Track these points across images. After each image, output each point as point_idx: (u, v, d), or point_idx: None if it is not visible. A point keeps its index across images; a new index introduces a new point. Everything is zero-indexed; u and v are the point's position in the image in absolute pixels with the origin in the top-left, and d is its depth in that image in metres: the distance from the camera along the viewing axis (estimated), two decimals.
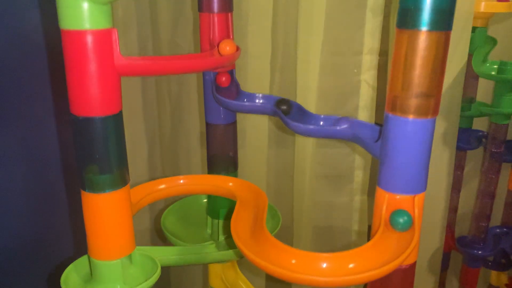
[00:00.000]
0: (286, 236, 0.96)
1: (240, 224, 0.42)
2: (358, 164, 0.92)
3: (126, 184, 0.41)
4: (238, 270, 0.64)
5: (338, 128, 0.44)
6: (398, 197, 0.39)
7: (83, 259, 0.46)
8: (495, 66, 0.82)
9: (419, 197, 0.39)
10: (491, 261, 1.02)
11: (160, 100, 0.90)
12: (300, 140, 0.88)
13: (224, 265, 0.63)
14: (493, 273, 1.03)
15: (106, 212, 0.40)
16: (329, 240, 0.96)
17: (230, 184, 0.51)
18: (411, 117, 0.36)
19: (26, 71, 0.63)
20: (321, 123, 0.46)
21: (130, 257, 0.43)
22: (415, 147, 0.37)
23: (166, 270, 0.97)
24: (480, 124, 0.98)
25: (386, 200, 0.39)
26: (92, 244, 0.42)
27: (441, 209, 0.97)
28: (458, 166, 0.97)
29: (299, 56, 0.82)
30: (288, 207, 0.93)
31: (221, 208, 0.60)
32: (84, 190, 0.40)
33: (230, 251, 0.54)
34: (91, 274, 0.44)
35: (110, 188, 0.39)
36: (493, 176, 0.88)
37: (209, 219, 0.61)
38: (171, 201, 0.67)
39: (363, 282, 0.36)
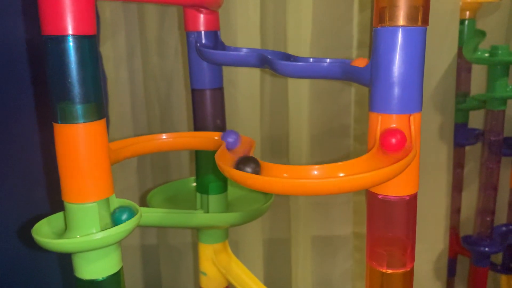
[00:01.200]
0: (284, 247, 0.92)
1: (225, 154, 0.39)
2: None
3: (102, 118, 0.38)
4: (231, 252, 0.60)
5: (325, 64, 0.42)
6: (392, 117, 0.36)
7: (58, 215, 0.42)
8: (487, 54, 0.82)
9: (415, 117, 0.36)
10: (500, 265, 0.98)
11: (149, 104, 0.88)
12: (295, 152, 0.86)
13: (215, 247, 0.59)
14: (503, 278, 0.98)
15: (80, 145, 0.37)
16: (329, 250, 0.93)
17: (216, 138, 0.48)
18: (401, 24, 0.35)
19: (8, 82, 0.60)
20: (311, 61, 0.44)
21: (107, 202, 0.40)
22: (407, 59, 0.35)
23: (157, 275, 0.91)
24: (476, 124, 0.97)
25: (380, 122, 0.37)
26: (65, 185, 0.38)
27: (443, 208, 0.94)
28: (458, 164, 0.95)
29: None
30: (286, 218, 0.90)
31: (210, 183, 0.57)
32: (57, 122, 0.37)
33: (221, 214, 0.50)
34: (66, 227, 0.41)
35: (84, 119, 0.37)
36: (494, 167, 0.85)
37: (198, 195, 0.58)
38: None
39: (356, 186, 0.33)
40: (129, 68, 0.87)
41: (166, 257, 0.91)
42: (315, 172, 0.34)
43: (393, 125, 0.37)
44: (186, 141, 0.49)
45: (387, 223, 0.39)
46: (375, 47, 0.36)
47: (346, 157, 0.89)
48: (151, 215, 0.46)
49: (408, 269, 0.40)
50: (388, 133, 0.36)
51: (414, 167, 0.37)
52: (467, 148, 0.96)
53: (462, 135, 0.92)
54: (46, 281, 0.57)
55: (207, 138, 0.48)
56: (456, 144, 0.92)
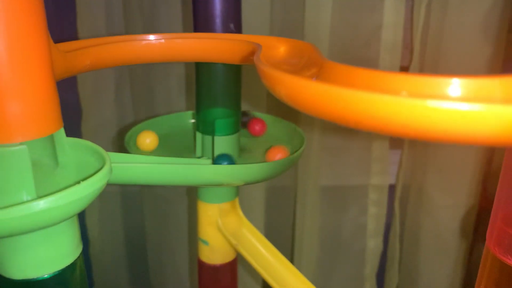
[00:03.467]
0: (288, 196, 0.80)
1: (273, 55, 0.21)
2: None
3: None
4: (241, 214, 0.44)
5: None
6: None
7: None
8: None
9: None
10: None
11: (129, 19, 0.69)
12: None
13: (221, 208, 0.43)
14: None
15: None
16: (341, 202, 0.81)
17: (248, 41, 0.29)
18: None
19: None
20: None
21: (52, 143, 0.22)
22: None
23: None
24: None
25: None
26: None
27: (475, 159, 0.82)
28: None
29: None
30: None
31: (217, 119, 0.39)
32: None
33: (243, 166, 0.33)
34: None
35: None
36: None
37: (199, 135, 0.40)
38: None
39: None
40: None
41: (150, 206, 0.78)
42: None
43: None
44: (194, 47, 0.30)
45: None
46: None
47: None
48: (130, 167, 0.28)
49: None
50: None
51: None
52: None
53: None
54: None
55: (234, 42, 0.29)
56: None
